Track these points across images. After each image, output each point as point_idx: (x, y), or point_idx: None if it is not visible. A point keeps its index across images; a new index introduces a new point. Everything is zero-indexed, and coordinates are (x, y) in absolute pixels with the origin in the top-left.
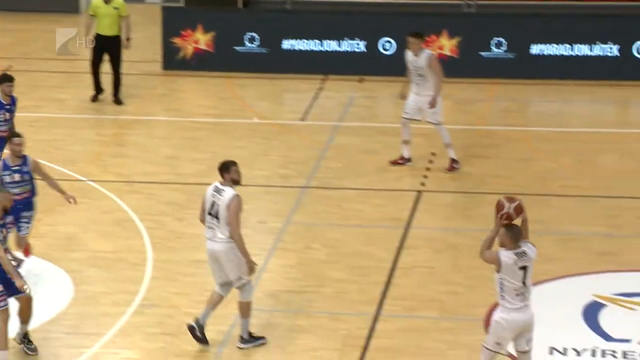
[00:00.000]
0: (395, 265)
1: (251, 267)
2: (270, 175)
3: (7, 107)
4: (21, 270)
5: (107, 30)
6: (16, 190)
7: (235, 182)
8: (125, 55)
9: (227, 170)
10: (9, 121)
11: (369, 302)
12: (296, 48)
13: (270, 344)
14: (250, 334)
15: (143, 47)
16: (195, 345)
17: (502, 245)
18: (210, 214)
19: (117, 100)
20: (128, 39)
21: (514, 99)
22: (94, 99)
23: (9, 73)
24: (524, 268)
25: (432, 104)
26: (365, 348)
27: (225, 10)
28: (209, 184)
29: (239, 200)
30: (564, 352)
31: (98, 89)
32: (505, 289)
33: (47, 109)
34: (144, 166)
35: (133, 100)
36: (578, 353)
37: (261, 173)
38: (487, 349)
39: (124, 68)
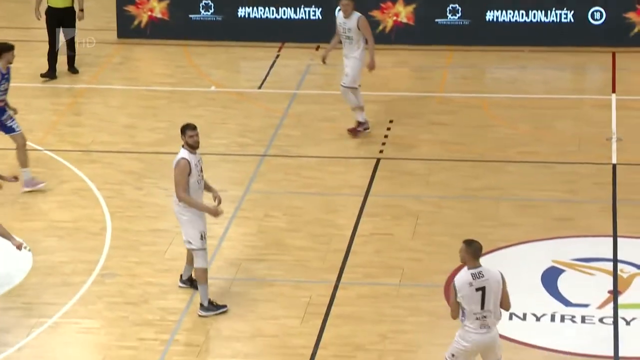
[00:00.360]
0: (355, 233)
1: (214, 212)
2: (228, 144)
3: (7, 76)
4: None
5: (60, 3)
6: None
7: (190, 146)
8: (80, 23)
9: (182, 133)
10: (7, 91)
11: (329, 270)
12: (251, 16)
13: (231, 312)
14: (210, 302)
15: (97, 15)
16: (156, 314)
17: (462, 261)
18: None
19: (73, 70)
20: (81, 10)
21: (470, 66)
22: (46, 75)
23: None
24: (481, 289)
25: (371, 66)
26: (326, 315)
27: None
28: (166, 153)
29: (183, 163)
30: (523, 318)
31: (53, 70)
32: (465, 312)
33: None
34: (102, 135)
35: (88, 69)
36: (537, 318)
37: (219, 142)
38: (446, 358)
39: (79, 36)
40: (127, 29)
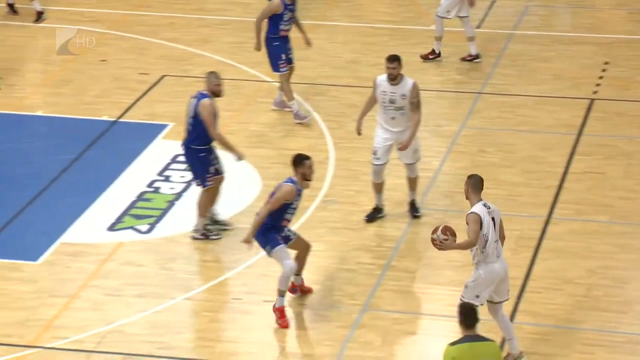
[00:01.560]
0: (567, 170)
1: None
2: (445, 81)
3: (290, 6)
4: None
5: None
6: None
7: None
8: None
9: None
10: (292, 20)
11: (541, 205)
12: None
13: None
14: None
15: None
16: (374, 240)
17: (467, 198)
18: None
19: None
20: None
21: None
22: None
23: None
24: (492, 219)
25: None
26: (537, 248)
27: None
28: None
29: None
30: None
31: None
32: (486, 244)
33: (234, 12)
34: (326, 69)
35: (316, 7)
36: None
37: (437, 78)
38: (463, 300)
39: None
40: None
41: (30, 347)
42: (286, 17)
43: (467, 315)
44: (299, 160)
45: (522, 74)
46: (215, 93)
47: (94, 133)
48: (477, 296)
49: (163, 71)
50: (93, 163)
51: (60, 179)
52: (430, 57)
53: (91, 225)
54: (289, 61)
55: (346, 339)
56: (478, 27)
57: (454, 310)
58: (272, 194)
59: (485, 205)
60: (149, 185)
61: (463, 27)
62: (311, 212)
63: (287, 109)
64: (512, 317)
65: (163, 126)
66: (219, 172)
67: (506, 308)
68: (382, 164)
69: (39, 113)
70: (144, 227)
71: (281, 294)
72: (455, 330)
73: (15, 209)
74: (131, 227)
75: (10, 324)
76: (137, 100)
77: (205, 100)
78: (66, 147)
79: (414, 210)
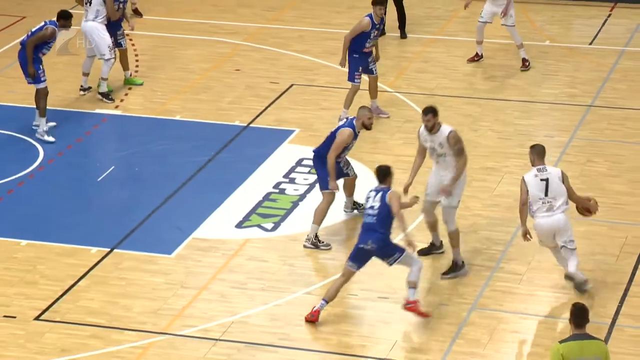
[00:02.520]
0: None
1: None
2: (558, 94)
3: (378, 26)
4: None
5: None
6: None
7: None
8: None
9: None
10: (377, 37)
11: None
12: None
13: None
14: None
15: None
16: (484, 243)
17: (531, 162)
18: None
19: (403, 34)
20: None
21: None
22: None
23: None
24: (545, 180)
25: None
26: None
27: None
28: (501, 100)
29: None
30: None
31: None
32: (531, 202)
33: None
34: (444, 81)
35: (436, 22)
36: None
37: (549, 91)
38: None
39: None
40: None
41: (162, 333)
42: (372, 35)
43: (578, 315)
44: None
45: (633, 89)
46: (366, 126)
47: (227, 137)
48: (541, 241)
49: (292, 80)
50: (225, 165)
51: (194, 178)
52: (475, 59)
53: (221, 223)
54: (371, 72)
55: (455, 336)
56: (590, 43)
57: (559, 312)
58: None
59: (539, 169)
60: (275, 187)
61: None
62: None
63: (383, 115)
64: (614, 321)
65: (290, 132)
66: (348, 175)
67: (609, 310)
68: (430, 201)
69: (178, 117)
70: (269, 226)
71: (414, 285)
72: (559, 331)
73: (152, 206)
74: (257, 225)
75: (145, 312)
76: (267, 107)
77: (346, 130)
78: (201, 150)
79: (450, 271)
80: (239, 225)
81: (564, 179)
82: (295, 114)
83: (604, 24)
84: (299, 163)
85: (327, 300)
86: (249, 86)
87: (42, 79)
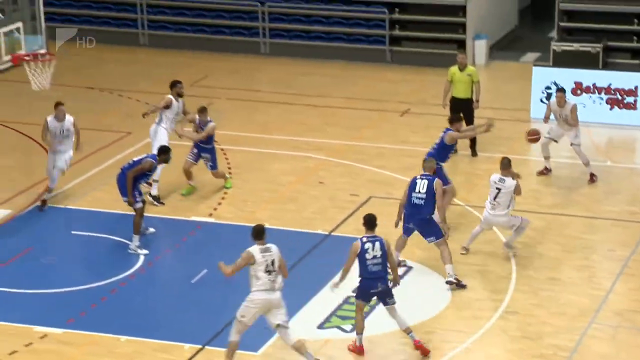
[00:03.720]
0: None
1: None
2: (619, 211)
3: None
4: None
5: (461, 94)
6: None
7: None
8: (499, 103)
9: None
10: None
11: None
12: None
13: (617, 357)
14: None
15: (516, 97)
16: (549, 349)
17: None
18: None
19: (474, 152)
20: (477, 101)
21: None
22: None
23: None
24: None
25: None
26: None
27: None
28: (565, 215)
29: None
30: None
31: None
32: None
33: None
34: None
35: (503, 141)
36: None
37: (611, 209)
38: None
39: (497, 114)
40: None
41: None
42: (454, 149)
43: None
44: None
45: None
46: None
47: (310, 244)
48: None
49: (370, 193)
50: (308, 269)
51: None
52: (545, 172)
53: (303, 323)
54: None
55: None
56: None
57: None
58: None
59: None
60: (354, 291)
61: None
62: (493, 322)
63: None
64: None
65: None
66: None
67: None
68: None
69: (266, 225)
70: (348, 327)
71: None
72: None
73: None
74: (337, 327)
75: None
76: (348, 217)
77: (439, 181)
78: (287, 256)
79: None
80: (320, 326)
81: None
82: None
83: None
84: None
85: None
86: (331, 198)
87: (138, 200)
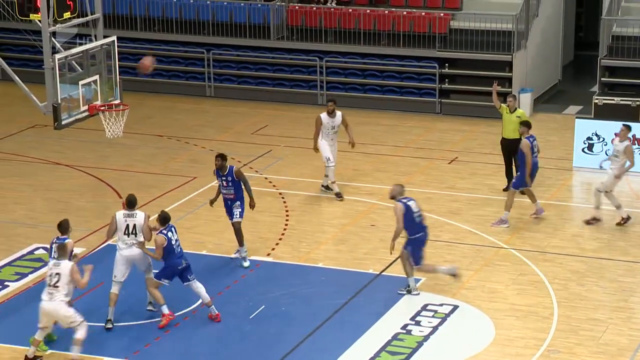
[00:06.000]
0: None
1: None
2: None
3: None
4: None
5: (511, 135)
6: None
7: None
8: (543, 153)
9: None
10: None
11: None
12: None
13: None
14: None
15: (559, 147)
16: None
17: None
18: None
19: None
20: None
21: None
22: (506, 189)
23: None
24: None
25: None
26: None
27: None
28: (607, 259)
29: None
30: None
31: (509, 182)
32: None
33: (480, 191)
34: (554, 240)
35: (546, 189)
36: None
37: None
38: None
39: (541, 162)
40: (583, 160)
41: None
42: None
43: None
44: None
45: None
46: None
47: (362, 283)
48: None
49: None
50: (360, 307)
51: (332, 319)
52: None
53: (354, 359)
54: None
55: None
56: None
57: None
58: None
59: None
60: (403, 328)
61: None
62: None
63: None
64: None
65: (417, 280)
66: None
67: None
68: None
69: (320, 265)
70: None
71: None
72: None
73: (295, 342)
74: None
75: None
76: (398, 257)
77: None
78: (339, 294)
79: None
80: None
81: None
82: None
83: None
84: (424, 308)
85: None
86: (382, 239)
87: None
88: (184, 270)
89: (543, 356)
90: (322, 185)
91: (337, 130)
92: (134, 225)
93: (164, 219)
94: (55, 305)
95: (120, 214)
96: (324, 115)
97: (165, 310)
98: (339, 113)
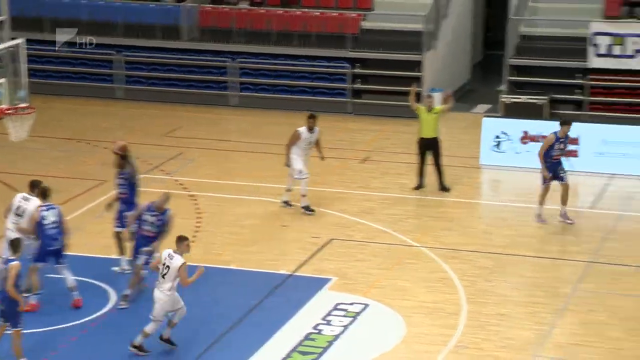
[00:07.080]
0: None
1: None
2: (562, 250)
3: (562, 140)
4: None
5: (431, 134)
6: None
7: None
8: (451, 151)
9: None
10: (562, 151)
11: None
12: None
13: None
14: None
15: (468, 146)
16: None
17: None
18: None
19: (443, 188)
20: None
21: None
22: (417, 188)
23: None
24: None
25: None
26: None
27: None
28: (513, 255)
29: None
30: None
31: (421, 182)
32: None
33: (392, 190)
34: (462, 238)
35: (454, 186)
36: None
37: (556, 248)
38: None
39: (449, 161)
40: (491, 157)
41: None
42: (557, 146)
43: None
44: None
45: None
46: None
47: (273, 283)
48: None
49: (332, 235)
50: (272, 308)
51: (244, 320)
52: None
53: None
54: (561, 179)
55: None
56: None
57: None
58: None
59: None
60: (314, 327)
61: None
62: (444, 356)
63: (568, 222)
64: None
65: (328, 280)
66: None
67: None
68: None
69: (231, 266)
70: None
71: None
72: None
73: (205, 344)
74: None
75: None
76: (309, 258)
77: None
78: (251, 295)
79: None
80: None
81: None
82: (334, 264)
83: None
84: (336, 307)
85: None
86: (294, 240)
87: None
88: (56, 252)
89: (451, 352)
90: (283, 201)
91: (312, 145)
92: (24, 210)
93: (43, 193)
94: None
95: (19, 196)
96: (303, 130)
97: (33, 300)
98: (316, 129)
